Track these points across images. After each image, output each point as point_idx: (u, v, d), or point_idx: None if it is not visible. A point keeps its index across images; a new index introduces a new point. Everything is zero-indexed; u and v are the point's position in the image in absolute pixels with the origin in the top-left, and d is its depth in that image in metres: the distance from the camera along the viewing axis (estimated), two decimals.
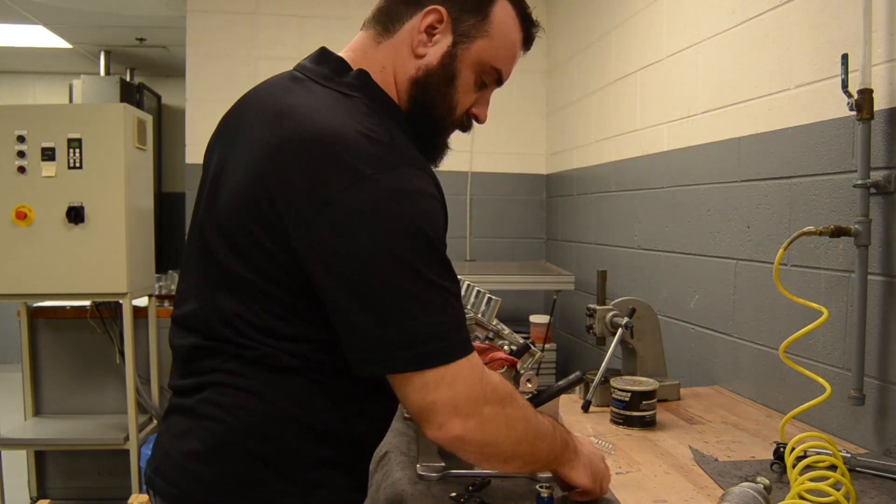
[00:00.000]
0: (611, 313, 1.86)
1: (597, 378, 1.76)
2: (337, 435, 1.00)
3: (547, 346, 3.11)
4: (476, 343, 1.21)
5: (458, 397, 0.89)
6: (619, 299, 1.88)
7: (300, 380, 0.96)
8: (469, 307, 1.34)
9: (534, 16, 1.08)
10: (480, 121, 1.11)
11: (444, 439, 0.92)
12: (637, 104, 2.71)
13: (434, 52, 1.01)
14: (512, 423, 0.97)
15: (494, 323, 1.29)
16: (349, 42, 1.08)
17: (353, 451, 1.04)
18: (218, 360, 0.98)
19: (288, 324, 0.95)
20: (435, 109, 1.04)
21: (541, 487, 1.10)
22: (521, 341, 1.23)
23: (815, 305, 1.45)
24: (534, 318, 3.21)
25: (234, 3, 3.65)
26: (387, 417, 1.11)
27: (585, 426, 1.63)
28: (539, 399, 1.21)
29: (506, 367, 1.21)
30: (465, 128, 1.11)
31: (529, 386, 1.20)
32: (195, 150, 3.63)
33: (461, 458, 0.98)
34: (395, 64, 1.02)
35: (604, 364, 1.77)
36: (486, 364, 1.16)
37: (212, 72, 3.61)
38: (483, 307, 1.30)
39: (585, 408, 1.73)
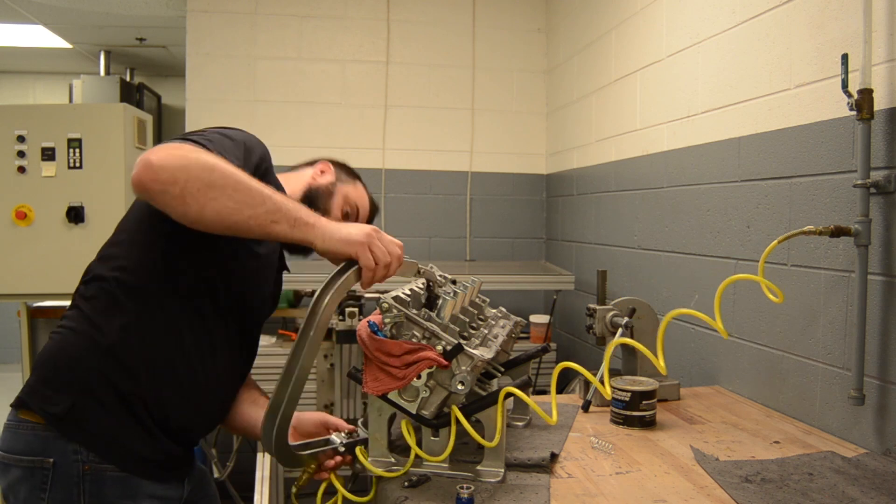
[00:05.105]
0: (611, 313, 1.86)
1: (597, 378, 1.75)
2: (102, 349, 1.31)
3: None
4: (408, 342, 1.19)
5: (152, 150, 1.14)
6: (619, 299, 1.89)
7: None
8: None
9: (376, 202, 1.68)
10: None
11: (136, 169, 1.10)
12: (637, 104, 2.71)
13: (323, 180, 1.59)
14: (197, 152, 1.13)
15: (494, 311, 1.26)
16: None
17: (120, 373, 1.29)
18: None
19: None
20: (316, 206, 1.46)
21: (461, 488, 1.12)
22: (455, 342, 1.18)
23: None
24: (534, 318, 3.21)
25: (234, 3, 3.64)
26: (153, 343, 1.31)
27: (585, 426, 1.64)
28: (484, 402, 1.21)
29: (434, 367, 1.15)
30: None
31: (461, 388, 1.16)
32: None
33: (163, 199, 1.10)
34: (298, 179, 1.58)
35: (604, 364, 1.76)
36: (412, 364, 1.16)
37: (212, 72, 3.61)
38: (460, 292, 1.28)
39: (585, 408, 1.74)
